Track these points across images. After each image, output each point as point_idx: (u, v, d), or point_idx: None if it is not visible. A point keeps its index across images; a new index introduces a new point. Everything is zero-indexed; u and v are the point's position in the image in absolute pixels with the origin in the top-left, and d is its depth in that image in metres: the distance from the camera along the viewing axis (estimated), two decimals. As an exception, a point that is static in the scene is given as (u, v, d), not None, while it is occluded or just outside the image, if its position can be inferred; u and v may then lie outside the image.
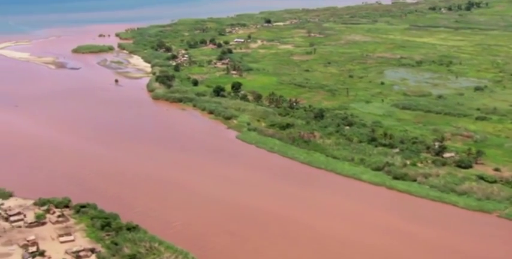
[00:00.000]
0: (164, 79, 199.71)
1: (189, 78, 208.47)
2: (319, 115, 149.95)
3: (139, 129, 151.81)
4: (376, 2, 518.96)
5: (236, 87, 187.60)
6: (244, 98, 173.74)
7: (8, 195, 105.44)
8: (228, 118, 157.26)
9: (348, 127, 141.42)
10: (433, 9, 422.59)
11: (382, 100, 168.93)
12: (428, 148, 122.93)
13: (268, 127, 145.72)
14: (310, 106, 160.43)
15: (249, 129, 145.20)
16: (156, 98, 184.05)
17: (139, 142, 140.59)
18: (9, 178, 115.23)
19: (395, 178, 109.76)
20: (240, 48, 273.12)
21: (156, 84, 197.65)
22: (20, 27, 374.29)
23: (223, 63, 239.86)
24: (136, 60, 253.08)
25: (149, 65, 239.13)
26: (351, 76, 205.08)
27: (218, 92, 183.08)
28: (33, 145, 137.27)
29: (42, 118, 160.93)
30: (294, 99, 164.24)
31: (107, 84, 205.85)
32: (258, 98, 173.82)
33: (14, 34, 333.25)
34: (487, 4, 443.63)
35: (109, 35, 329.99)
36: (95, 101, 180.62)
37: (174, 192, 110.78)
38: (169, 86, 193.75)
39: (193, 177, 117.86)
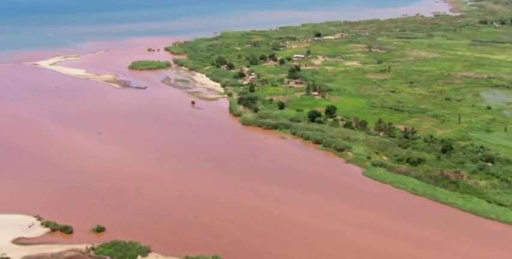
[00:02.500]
0: (248, 102, 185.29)
1: (271, 100, 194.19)
2: (448, 148, 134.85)
3: (246, 163, 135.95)
4: (417, 14, 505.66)
5: (331, 111, 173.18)
6: (349, 125, 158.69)
7: (146, 251, 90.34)
8: (341, 150, 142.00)
9: (489, 164, 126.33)
10: (485, 23, 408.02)
11: (505, 129, 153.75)
12: None
13: (394, 162, 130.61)
14: (431, 136, 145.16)
15: (374, 165, 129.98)
16: (246, 123, 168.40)
17: (253, 178, 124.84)
18: (135, 228, 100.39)
19: None
20: (306, 65, 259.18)
21: (241, 108, 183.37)
22: (60, 39, 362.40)
23: (296, 82, 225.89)
24: (201, 78, 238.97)
25: (218, 84, 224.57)
26: (447, 99, 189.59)
27: (313, 117, 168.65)
28: (138, 183, 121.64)
29: (131, 148, 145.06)
30: (410, 128, 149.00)
31: (183, 106, 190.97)
32: (362, 125, 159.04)
33: (59, 48, 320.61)
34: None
35: (158, 50, 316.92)
36: (180, 127, 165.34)
37: (333, 247, 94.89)
38: (255, 110, 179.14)
39: (341, 225, 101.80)
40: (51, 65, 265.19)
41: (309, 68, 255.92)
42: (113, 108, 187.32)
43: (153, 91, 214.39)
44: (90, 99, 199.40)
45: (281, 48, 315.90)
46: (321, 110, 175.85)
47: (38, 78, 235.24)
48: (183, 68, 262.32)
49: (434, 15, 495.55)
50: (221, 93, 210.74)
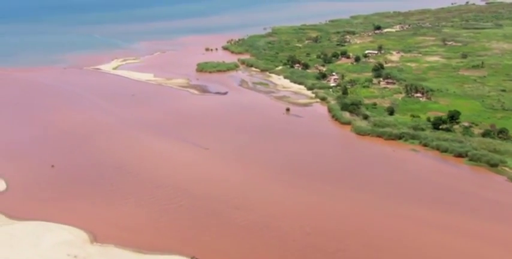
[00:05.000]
0: (354, 107, 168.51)
1: (374, 104, 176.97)
2: None
3: (388, 182, 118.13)
4: (467, 2, 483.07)
5: (455, 117, 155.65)
6: (488, 134, 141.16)
7: None
8: (494, 165, 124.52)
9: None
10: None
11: None
12: None
13: None
14: None
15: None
16: (361, 133, 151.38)
17: (408, 202, 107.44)
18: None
19: None
20: (385, 62, 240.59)
21: (347, 114, 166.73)
22: (109, 40, 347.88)
23: (388, 83, 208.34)
24: (279, 80, 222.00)
25: (303, 87, 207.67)
26: None
27: (438, 124, 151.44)
28: (281, 211, 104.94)
29: (252, 168, 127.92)
30: None
31: (277, 113, 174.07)
32: (503, 133, 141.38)
33: (112, 49, 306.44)
34: None
35: (216, 49, 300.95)
36: (288, 139, 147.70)
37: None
38: (365, 117, 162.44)
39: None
40: (114, 69, 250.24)
41: (388, 65, 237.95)
42: (203, 118, 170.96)
43: (236, 97, 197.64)
44: (174, 107, 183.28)
45: (346, 44, 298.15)
46: (435, 114, 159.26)
47: (108, 85, 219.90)
48: (253, 69, 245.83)
49: (486, 3, 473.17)
50: (311, 97, 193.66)
